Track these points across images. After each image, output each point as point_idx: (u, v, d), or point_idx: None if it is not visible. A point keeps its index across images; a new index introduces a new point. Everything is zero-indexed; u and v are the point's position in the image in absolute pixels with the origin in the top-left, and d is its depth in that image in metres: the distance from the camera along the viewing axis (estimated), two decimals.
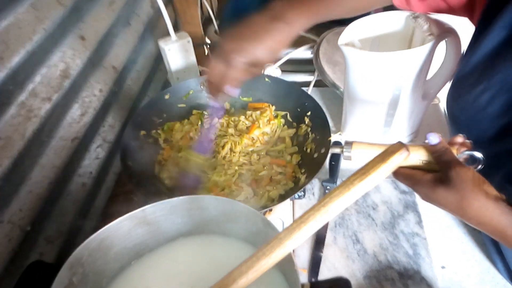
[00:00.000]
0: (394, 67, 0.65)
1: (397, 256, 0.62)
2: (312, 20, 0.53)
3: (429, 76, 0.73)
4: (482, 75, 0.48)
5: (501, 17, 0.45)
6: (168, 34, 0.83)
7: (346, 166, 0.78)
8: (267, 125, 0.77)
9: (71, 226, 0.63)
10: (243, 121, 0.78)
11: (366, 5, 0.61)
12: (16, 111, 0.53)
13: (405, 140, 0.82)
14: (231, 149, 0.73)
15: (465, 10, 0.54)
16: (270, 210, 0.65)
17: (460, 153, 0.47)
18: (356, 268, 0.62)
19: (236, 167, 0.70)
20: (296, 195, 0.72)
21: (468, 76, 0.50)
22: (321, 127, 0.70)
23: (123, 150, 0.66)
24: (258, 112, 0.79)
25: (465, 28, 0.65)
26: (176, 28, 1.03)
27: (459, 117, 0.53)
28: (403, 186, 0.73)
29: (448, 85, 0.73)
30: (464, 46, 0.66)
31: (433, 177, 0.41)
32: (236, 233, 0.50)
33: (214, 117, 0.71)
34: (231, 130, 0.76)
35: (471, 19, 0.55)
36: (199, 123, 0.78)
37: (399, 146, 0.38)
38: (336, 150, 0.52)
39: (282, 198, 0.65)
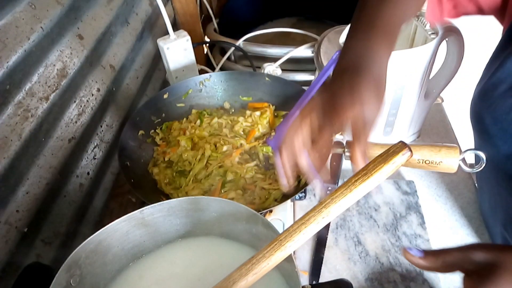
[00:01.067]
0: (396, 66, 0.65)
1: (399, 258, 0.62)
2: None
3: (431, 75, 0.72)
4: None
5: None
6: (167, 32, 0.82)
7: (348, 166, 0.77)
8: (267, 127, 0.77)
9: (68, 227, 0.62)
10: (241, 123, 0.77)
11: (413, 12, 0.54)
12: (13, 110, 0.52)
13: (407, 140, 0.81)
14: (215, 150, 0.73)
15: (497, 12, 0.51)
16: (270, 211, 0.65)
17: (463, 152, 0.46)
18: (358, 270, 0.61)
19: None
20: (297, 196, 0.71)
21: (499, 83, 0.46)
22: None
23: (121, 150, 0.65)
24: (257, 113, 0.78)
25: (467, 27, 0.64)
26: (175, 27, 1.03)
27: (491, 128, 0.48)
28: (405, 187, 0.72)
29: (450, 86, 0.72)
30: (466, 45, 0.65)
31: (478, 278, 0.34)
32: (235, 234, 0.50)
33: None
34: (225, 131, 0.76)
35: (500, 19, 0.52)
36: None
37: (402, 146, 0.37)
38: (338, 150, 0.51)
39: (282, 199, 0.64)
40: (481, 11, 0.53)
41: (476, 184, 0.69)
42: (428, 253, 0.37)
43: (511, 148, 0.45)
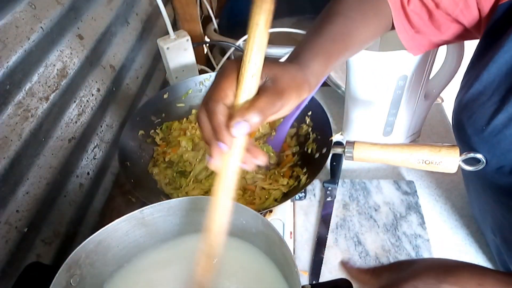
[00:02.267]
0: (396, 66, 0.65)
1: (399, 258, 0.62)
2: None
3: (431, 75, 0.72)
4: (494, 94, 0.44)
5: None
6: (167, 32, 0.82)
7: (348, 166, 0.77)
8: (267, 128, 0.77)
9: (68, 227, 0.62)
10: None
11: (371, 36, 0.53)
12: (13, 110, 0.52)
13: (407, 140, 0.81)
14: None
15: (477, 30, 0.50)
16: (270, 211, 0.65)
17: (463, 155, 0.46)
18: None
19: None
20: (297, 196, 0.71)
21: (478, 94, 0.46)
22: (323, 127, 0.70)
23: (121, 150, 0.65)
24: None
25: None
26: (175, 27, 1.03)
27: (473, 139, 0.47)
28: (405, 187, 0.72)
29: (450, 86, 0.72)
30: (466, 45, 0.65)
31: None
32: (235, 234, 0.50)
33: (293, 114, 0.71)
34: None
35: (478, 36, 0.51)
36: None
37: None
38: (338, 150, 0.51)
39: (282, 199, 0.64)
40: (467, 31, 0.51)
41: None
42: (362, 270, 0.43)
43: (493, 158, 0.45)
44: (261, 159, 0.39)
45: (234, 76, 0.36)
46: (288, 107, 0.37)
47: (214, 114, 0.35)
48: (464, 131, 0.48)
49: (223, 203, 0.38)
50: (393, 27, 0.54)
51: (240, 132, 0.34)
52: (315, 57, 0.43)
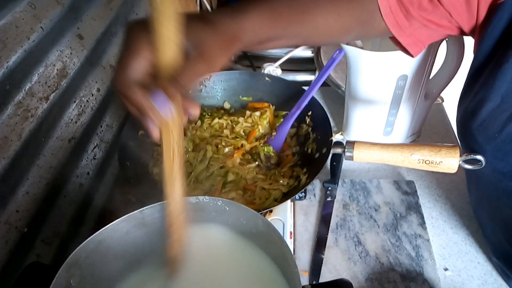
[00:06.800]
0: (396, 66, 0.65)
1: (400, 258, 0.62)
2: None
3: (431, 75, 0.72)
4: (504, 101, 0.42)
5: None
6: None
7: (348, 166, 0.78)
8: (267, 128, 0.77)
9: (68, 227, 0.62)
10: (241, 123, 0.77)
11: (342, 26, 0.48)
12: (13, 111, 0.52)
13: (407, 140, 0.81)
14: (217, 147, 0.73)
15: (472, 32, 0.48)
16: (270, 211, 0.65)
17: (463, 156, 0.46)
18: (358, 270, 0.61)
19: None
20: (296, 196, 0.71)
21: (484, 101, 0.44)
22: (323, 127, 0.70)
23: (121, 150, 0.65)
24: (257, 113, 0.78)
25: None
26: None
27: (484, 147, 0.46)
28: (405, 187, 0.72)
29: (450, 86, 0.72)
30: (466, 45, 0.65)
31: None
32: (235, 234, 0.50)
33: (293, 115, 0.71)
34: (226, 132, 0.76)
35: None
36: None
37: None
38: (338, 150, 0.51)
39: (282, 199, 0.64)
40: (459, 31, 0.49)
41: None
42: None
43: (507, 166, 0.45)
44: (194, 112, 0.39)
45: (142, 46, 0.34)
46: (217, 64, 0.36)
47: (131, 99, 0.35)
48: (473, 139, 0.47)
49: (175, 182, 0.39)
50: (379, 32, 0.50)
51: (167, 111, 0.34)
52: (257, 13, 0.40)
